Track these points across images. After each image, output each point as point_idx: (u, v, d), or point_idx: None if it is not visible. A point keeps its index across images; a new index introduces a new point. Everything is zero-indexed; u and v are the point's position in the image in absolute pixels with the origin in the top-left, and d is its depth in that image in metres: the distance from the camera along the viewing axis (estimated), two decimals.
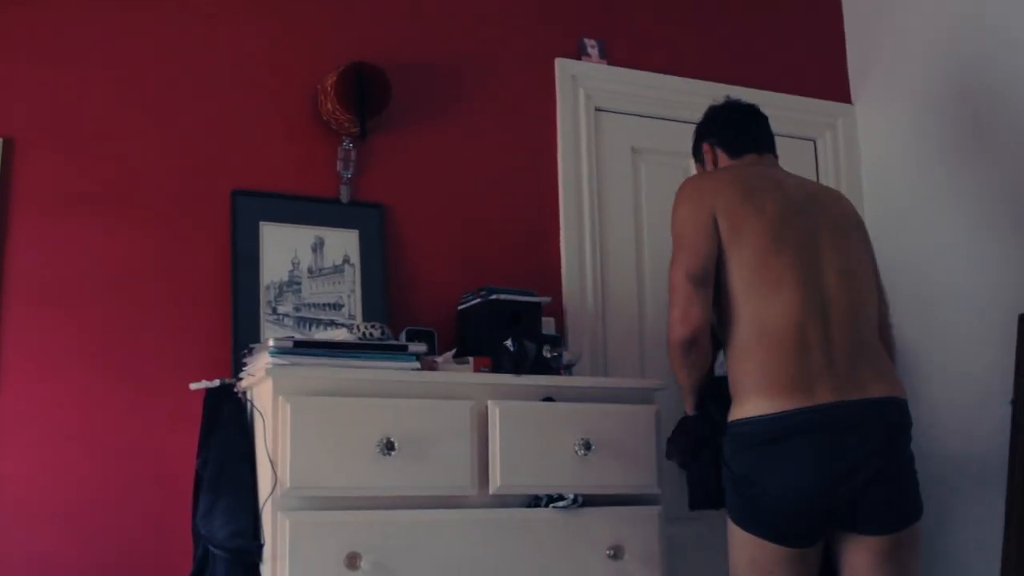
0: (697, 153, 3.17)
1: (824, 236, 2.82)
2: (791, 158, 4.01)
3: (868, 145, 4.14)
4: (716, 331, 2.86)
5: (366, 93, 3.27)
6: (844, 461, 2.59)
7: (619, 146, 3.81)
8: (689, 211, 2.80)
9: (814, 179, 4.06)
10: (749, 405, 2.65)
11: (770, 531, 2.62)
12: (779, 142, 3.96)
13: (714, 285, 2.76)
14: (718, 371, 2.89)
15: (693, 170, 3.76)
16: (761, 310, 2.70)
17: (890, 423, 2.66)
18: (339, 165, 3.35)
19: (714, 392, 2.84)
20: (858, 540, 2.66)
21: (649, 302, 3.72)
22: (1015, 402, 3.41)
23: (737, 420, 2.68)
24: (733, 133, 3.07)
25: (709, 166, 3.10)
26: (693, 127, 3.84)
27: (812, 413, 2.59)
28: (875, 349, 2.77)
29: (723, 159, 3.06)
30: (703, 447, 2.82)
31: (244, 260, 3.18)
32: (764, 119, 3.11)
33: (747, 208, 2.78)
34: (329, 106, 3.27)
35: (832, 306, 2.73)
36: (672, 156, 3.80)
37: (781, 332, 2.67)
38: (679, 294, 2.72)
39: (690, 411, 2.89)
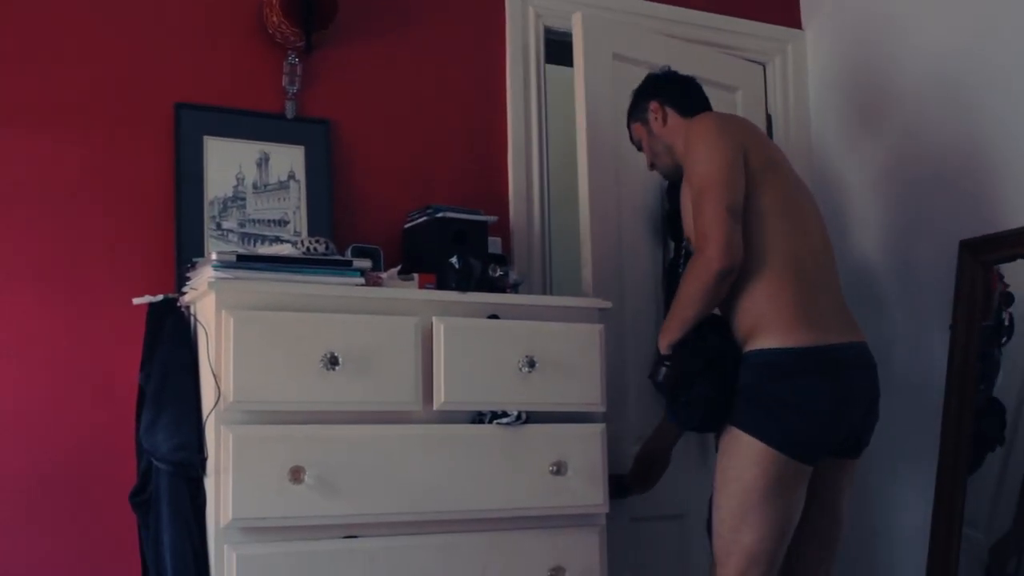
0: (641, 113, 3.21)
1: (802, 188, 3.05)
2: (742, 82, 4.03)
3: (816, 71, 4.15)
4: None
5: (312, 6, 3.21)
6: (855, 397, 2.85)
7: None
8: (722, 146, 2.88)
9: (763, 104, 4.07)
10: (781, 336, 2.79)
11: (798, 449, 2.75)
12: (729, 65, 4.01)
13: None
14: None
15: None
16: (795, 246, 2.87)
17: (873, 366, 2.92)
18: (284, 80, 3.30)
19: (712, 323, 2.89)
20: (834, 461, 2.90)
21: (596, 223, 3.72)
22: (953, 327, 3.47)
23: (772, 348, 2.80)
24: (684, 93, 3.18)
25: (655, 124, 3.16)
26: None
27: (843, 350, 2.82)
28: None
29: (674, 118, 3.13)
30: (710, 368, 2.84)
31: (188, 175, 3.15)
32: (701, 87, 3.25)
33: (770, 147, 3.01)
34: (274, 19, 3.22)
35: (830, 253, 2.99)
36: None
37: (812, 270, 2.87)
38: (720, 228, 2.77)
39: (672, 341, 2.88)
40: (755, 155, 2.91)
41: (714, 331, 2.88)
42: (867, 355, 2.91)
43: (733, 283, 2.82)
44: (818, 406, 2.77)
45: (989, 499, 3.39)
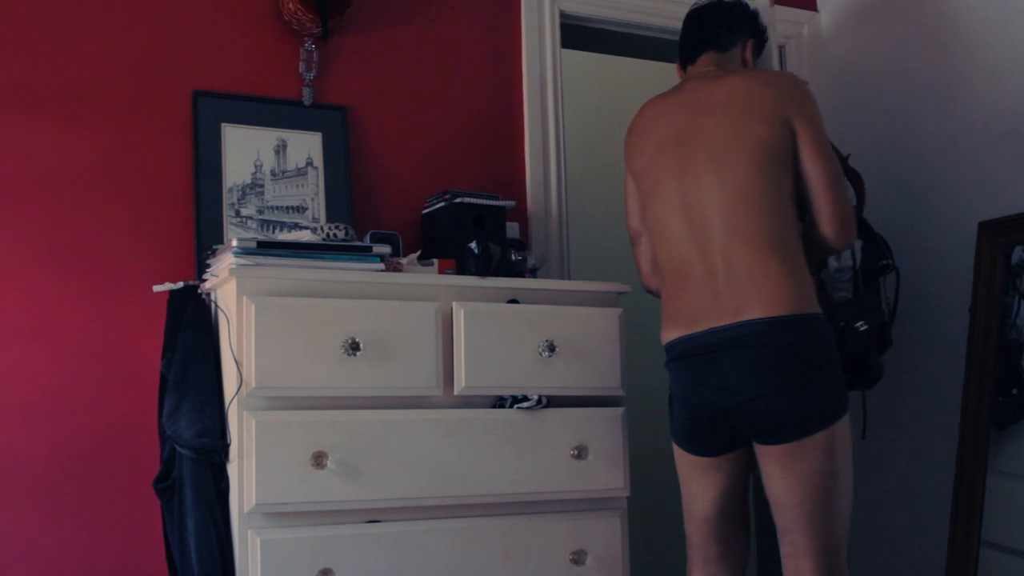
0: None
1: (700, 159, 2.74)
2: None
3: (833, 52, 4.13)
4: None
5: None
6: (714, 382, 2.65)
7: None
8: (625, 168, 2.97)
9: None
10: (663, 334, 2.81)
11: (681, 441, 2.81)
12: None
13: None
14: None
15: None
16: (659, 254, 2.83)
17: (760, 345, 2.60)
18: (301, 66, 3.31)
19: None
20: (761, 448, 2.68)
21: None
22: (973, 310, 3.46)
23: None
24: (681, 46, 3.06)
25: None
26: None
27: (689, 340, 2.70)
28: (759, 273, 2.63)
29: (679, 75, 3.06)
30: None
31: (206, 162, 3.15)
32: (707, 16, 2.99)
33: (636, 162, 2.90)
34: (291, 6, 3.22)
35: (711, 237, 2.69)
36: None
37: (673, 273, 2.77)
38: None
39: None
40: (635, 163, 2.90)
41: None
42: (733, 336, 2.62)
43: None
44: (672, 400, 2.81)
45: None
